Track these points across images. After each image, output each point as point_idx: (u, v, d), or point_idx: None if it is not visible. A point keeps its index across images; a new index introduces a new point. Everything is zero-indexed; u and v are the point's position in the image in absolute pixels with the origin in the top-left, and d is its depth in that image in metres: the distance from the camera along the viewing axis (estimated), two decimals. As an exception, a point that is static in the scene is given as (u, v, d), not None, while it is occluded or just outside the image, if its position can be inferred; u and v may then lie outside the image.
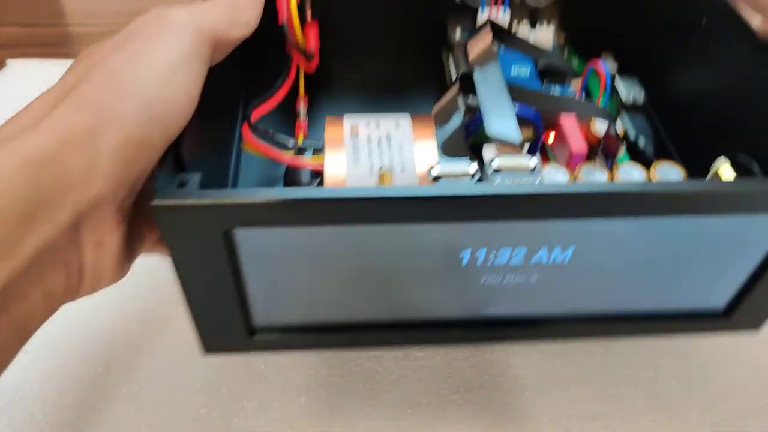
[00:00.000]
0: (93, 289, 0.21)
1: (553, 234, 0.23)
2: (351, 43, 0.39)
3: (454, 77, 0.36)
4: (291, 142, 0.30)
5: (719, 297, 0.27)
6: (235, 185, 0.31)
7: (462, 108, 0.28)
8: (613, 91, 0.36)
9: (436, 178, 0.23)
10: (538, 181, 0.23)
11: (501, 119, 0.25)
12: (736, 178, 0.25)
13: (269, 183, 0.33)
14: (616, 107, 0.36)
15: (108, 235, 0.20)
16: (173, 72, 0.20)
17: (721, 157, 0.25)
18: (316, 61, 0.36)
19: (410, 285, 0.25)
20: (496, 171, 0.23)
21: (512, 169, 0.23)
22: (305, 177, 0.30)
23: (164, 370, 0.30)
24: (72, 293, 0.20)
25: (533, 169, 0.23)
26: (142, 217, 0.22)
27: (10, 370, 0.19)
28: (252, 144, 0.28)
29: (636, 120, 0.35)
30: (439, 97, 0.28)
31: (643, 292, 0.27)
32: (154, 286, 0.33)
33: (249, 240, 0.22)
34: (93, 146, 0.18)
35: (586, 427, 0.29)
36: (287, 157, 0.29)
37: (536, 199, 0.21)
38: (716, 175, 0.25)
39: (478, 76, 0.28)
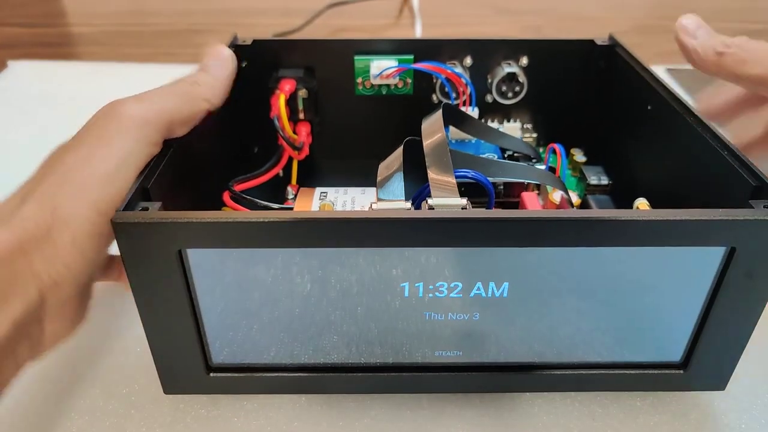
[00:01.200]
0: (53, 348, 0.25)
1: (485, 268, 0.24)
2: (340, 141, 0.43)
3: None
4: (274, 207, 0.32)
5: (673, 347, 0.27)
6: None
7: (401, 165, 0.30)
8: (583, 176, 0.40)
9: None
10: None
11: (442, 175, 0.27)
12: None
13: None
14: (583, 189, 0.40)
15: (67, 307, 0.24)
16: (117, 171, 0.24)
17: (641, 198, 0.27)
18: (305, 152, 0.40)
19: (360, 318, 0.26)
20: (430, 209, 0.24)
21: (444, 207, 0.24)
22: None
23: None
24: (35, 356, 0.24)
25: (464, 207, 0.24)
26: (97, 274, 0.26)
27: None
28: (233, 208, 0.30)
29: (600, 200, 0.40)
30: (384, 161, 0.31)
31: (591, 337, 0.27)
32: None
33: (200, 261, 0.24)
34: (51, 241, 0.22)
35: (586, 427, 0.29)
36: None
37: (465, 223, 0.22)
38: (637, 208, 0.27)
39: (425, 140, 0.31)
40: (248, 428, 0.28)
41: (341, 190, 0.33)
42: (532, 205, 0.35)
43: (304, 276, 0.24)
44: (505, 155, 0.41)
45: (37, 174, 0.24)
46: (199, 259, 0.23)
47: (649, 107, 0.35)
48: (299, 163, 0.40)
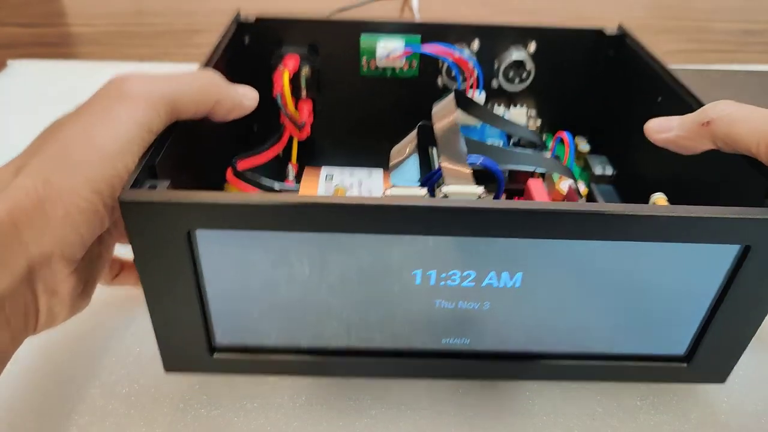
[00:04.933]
0: (50, 326, 0.25)
1: (500, 258, 0.24)
2: (342, 122, 0.42)
3: (437, 160, 0.38)
4: (276, 185, 0.31)
5: (678, 341, 0.28)
6: None
7: (415, 148, 0.30)
8: (587, 166, 0.40)
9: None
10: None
11: (456, 164, 0.26)
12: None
13: None
14: (587, 179, 0.40)
15: (60, 284, 0.23)
16: (117, 152, 0.23)
17: (658, 193, 0.26)
18: (307, 132, 0.39)
19: (367, 304, 0.26)
20: (445, 197, 0.24)
21: (459, 194, 0.24)
22: None
23: (164, 369, 0.30)
24: (31, 331, 0.24)
25: (479, 197, 0.24)
26: (100, 261, 0.26)
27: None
28: (235, 185, 0.30)
29: (604, 190, 0.39)
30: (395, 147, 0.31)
31: (599, 329, 0.27)
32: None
33: (209, 242, 0.23)
34: (43, 214, 0.21)
35: (586, 427, 0.29)
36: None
37: (479, 213, 0.22)
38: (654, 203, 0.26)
39: (437, 129, 0.30)
40: (248, 428, 0.28)
41: (347, 170, 0.33)
42: (538, 192, 0.34)
43: (313, 260, 0.24)
44: (511, 142, 0.40)
45: (33, 144, 0.24)
46: (208, 239, 0.23)
47: (659, 99, 0.34)
48: (300, 142, 0.39)
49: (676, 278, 0.25)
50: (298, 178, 0.39)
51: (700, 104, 0.30)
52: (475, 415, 0.29)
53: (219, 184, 0.31)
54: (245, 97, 0.29)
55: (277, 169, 0.37)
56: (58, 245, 0.22)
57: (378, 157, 0.34)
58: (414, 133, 0.30)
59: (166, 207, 0.21)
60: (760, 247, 0.23)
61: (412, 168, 0.27)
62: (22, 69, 0.61)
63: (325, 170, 0.33)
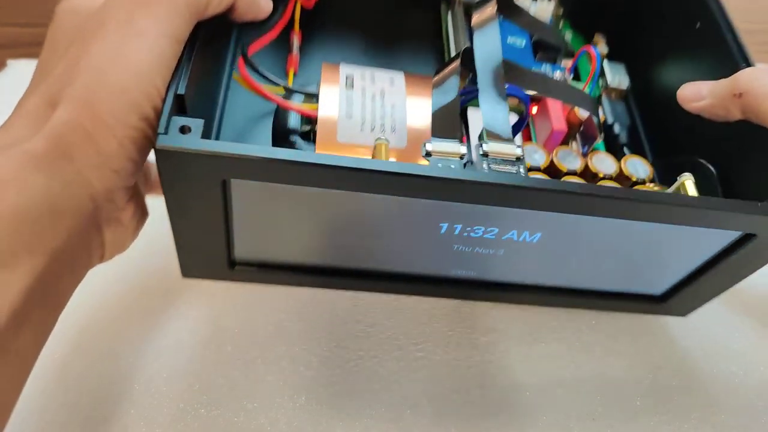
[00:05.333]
0: (118, 254, 0.24)
1: (525, 221, 0.25)
2: None
3: (451, 32, 0.36)
4: (283, 83, 0.30)
5: (659, 286, 0.32)
6: (221, 117, 0.32)
7: (458, 82, 0.28)
8: (600, 73, 0.37)
9: (428, 154, 0.24)
10: (521, 169, 0.24)
11: (496, 112, 0.26)
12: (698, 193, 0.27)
13: (255, 119, 0.33)
14: (599, 89, 0.37)
15: (122, 213, 0.23)
16: (155, 70, 0.21)
17: (686, 173, 0.27)
18: None
19: (388, 242, 0.27)
20: (483, 155, 0.24)
21: (499, 154, 0.24)
22: (295, 120, 0.30)
23: (164, 370, 0.30)
24: (94, 264, 0.23)
25: (518, 158, 0.24)
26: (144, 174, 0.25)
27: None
28: (246, 79, 0.28)
29: (616, 107, 0.37)
30: (438, 69, 0.29)
31: (597, 275, 0.30)
32: (156, 284, 0.33)
33: (243, 188, 0.23)
34: (96, 147, 0.20)
35: (586, 427, 0.29)
36: (279, 98, 0.29)
37: (517, 190, 0.22)
38: (681, 186, 0.27)
39: (478, 53, 0.28)
40: (248, 428, 0.28)
41: (367, 74, 0.30)
42: (556, 112, 0.33)
43: (343, 211, 0.25)
44: (533, 40, 0.38)
45: (59, 66, 0.22)
46: (242, 185, 0.23)
47: (698, 25, 0.33)
48: (308, 11, 0.36)
49: (676, 248, 0.27)
50: (302, 48, 0.36)
51: (742, 54, 0.29)
52: (476, 415, 0.29)
53: (221, 68, 0.30)
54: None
55: (279, 43, 0.34)
56: (119, 177, 0.21)
57: (394, 37, 0.34)
58: (457, 64, 0.28)
59: (204, 158, 0.21)
60: (760, 236, 0.25)
61: (454, 118, 0.26)
62: (22, 69, 0.61)
63: (344, 70, 0.30)
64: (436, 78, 0.28)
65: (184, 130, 0.21)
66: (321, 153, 0.23)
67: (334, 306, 0.33)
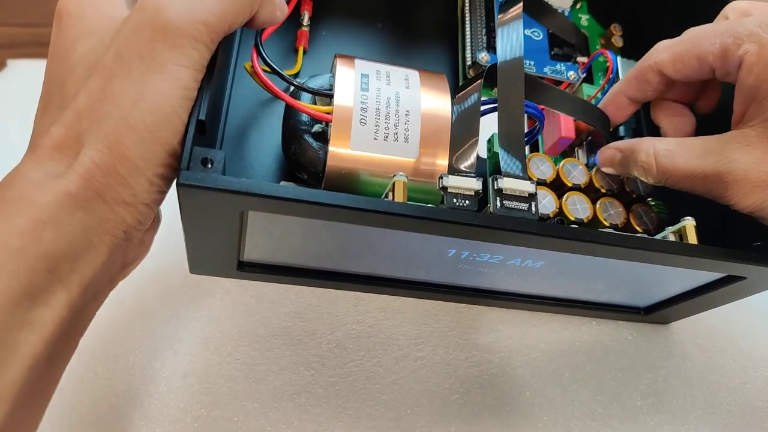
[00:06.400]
0: (128, 274, 0.26)
1: (529, 253, 0.27)
2: None
3: (468, 19, 0.36)
4: (298, 82, 0.29)
5: (643, 301, 0.34)
6: (227, 111, 0.32)
7: (480, 101, 0.28)
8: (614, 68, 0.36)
9: (444, 188, 0.24)
10: (533, 207, 0.25)
11: (514, 161, 0.26)
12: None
13: (262, 114, 0.33)
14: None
15: (147, 234, 0.25)
16: (180, 104, 0.21)
17: (688, 217, 0.27)
18: None
19: (395, 260, 0.29)
20: (497, 190, 0.25)
21: (513, 191, 0.25)
22: (307, 119, 0.30)
23: (164, 370, 0.30)
24: (115, 285, 0.25)
25: (530, 195, 0.25)
26: None
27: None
28: (258, 75, 0.28)
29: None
30: (462, 86, 0.29)
31: (590, 290, 0.32)
32: (156, 285, 0.33)
33: (259, 217, 0.24)
34: (127, 187, 0.21)
35: (586, 427, 0.29)
36: (292, 99, 0.28)
37: (529, 235, 0.24)
38: (682, 230, 0.27)
39: (500, 64, 0.28)
40: (248, 428, 0.28)
41: (383, 73, 0.29)
42: (566, 118, 0.33)
43: (354, 236, 0.26)
44: (550, 31, 0.37)
45: (79, 99, 0.21)
46: (258, 215, 0.24)
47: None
48: None
49: (667, 279, 0.29)
50: (313, 21, 0.34)
51: None
52: (475, 415, 0.29)
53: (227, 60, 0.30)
54: (281, 6, 0.26)
55: (290, 22, 0.33)
56: (150, 209, 0.22)
57: (406, 23, 0.34)
58: (480, 83, 0.28)
59: (225, 194, 0.21)
60: (750, 279, 0.27)
61: (471, 152, 0.26)
62: (22, 69, 0.60)
63: (359, 68, 0.29)
64: (459, 95, 0.28)
65: (205, 162, 0.21)
66: (333, 193, 0.23)
67: (335, 306, 0.33)
